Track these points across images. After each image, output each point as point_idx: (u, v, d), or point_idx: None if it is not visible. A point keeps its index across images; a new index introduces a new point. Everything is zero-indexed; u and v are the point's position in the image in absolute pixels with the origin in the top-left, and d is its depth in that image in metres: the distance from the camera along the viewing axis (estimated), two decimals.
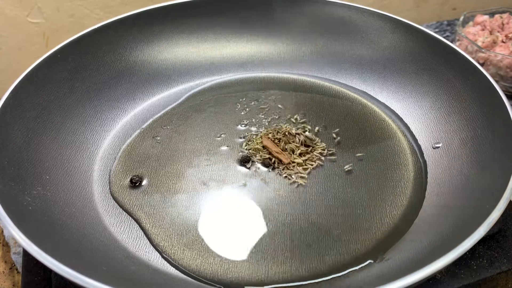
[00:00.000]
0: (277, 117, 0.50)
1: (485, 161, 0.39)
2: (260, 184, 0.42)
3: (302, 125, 0.48)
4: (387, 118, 0.49)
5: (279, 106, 0.51)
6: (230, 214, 0.40)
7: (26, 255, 0.39)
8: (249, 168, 0.43)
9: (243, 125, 0.49)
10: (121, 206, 0.41)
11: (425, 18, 0.75)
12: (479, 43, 0.57)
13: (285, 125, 0.48)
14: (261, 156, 0.44)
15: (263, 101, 0.52)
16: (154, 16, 0.54)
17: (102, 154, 0.45)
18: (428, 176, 0.43)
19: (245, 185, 0.42)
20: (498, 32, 0.59)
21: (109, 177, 0.43)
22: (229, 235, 0.38)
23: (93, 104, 0.48)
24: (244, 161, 0.44)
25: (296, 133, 0.46)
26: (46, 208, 0.37)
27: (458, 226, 0.34)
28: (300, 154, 0.44)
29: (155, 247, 0.37)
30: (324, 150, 0.45)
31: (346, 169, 0.44)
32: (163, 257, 0.37)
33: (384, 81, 0.52)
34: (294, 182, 0.42)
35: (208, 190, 0.42)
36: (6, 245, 0.43)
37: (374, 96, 0.52)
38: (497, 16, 0.61)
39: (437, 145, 0.45)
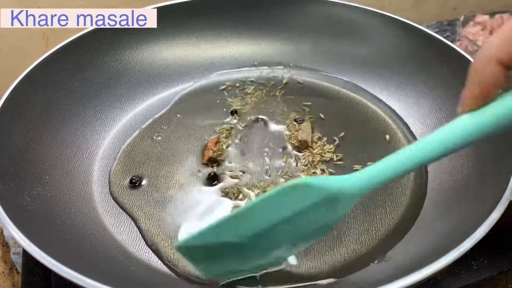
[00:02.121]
0: (278, 117, 0.50)
1: (485, 161, 0.39)
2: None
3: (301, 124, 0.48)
4: (387, 118, 0.49)
5: (279, 106, 0.51)
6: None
7: (26, 255, 0.39)
8: (215, 185, 0.42)
9: (244, 125, 0.49)
10: (121, 206, 0.40)
11: (425, 18, 0.74)
12: (480, 43, 0.57)
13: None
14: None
15: (263, 100, 0.52)
16: None
17: (102, 154, 0.45)
18: (428, 176, 0.43)
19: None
20: None
21: (109, 177, 0.43)
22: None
23: (93, 104, 0.48)
24: (212, 179, 0.42)
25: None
26: (46, 208, 0.37)
27: (458, 226, 0.34)
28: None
29: (155, 247, 0.37)
30: (331, 157, 0.45)
31: (346, 169, 0.43)
32: (162, 257, 0.37)
33: (384, 81, 0.52)
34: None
35: (208, 190, 0.42)
36: (6, 245, 0.43)
37: (374, 96, 0.52)
38: (497, 16, 0.61)
39: None
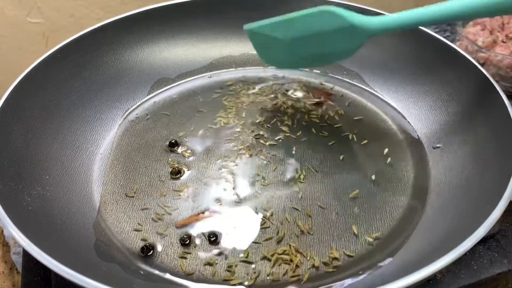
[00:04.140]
0: (277, 116, 0.50)
1: (485, 161, 0.39)
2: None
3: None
4: (387, 119, 0.49)
5: (281, 105, 0.51)
6: (228, 214, 0.40)
7: (26, 255, 0.39)
8: (176, 152, 0.45)
9: (245, 125, 0.49)
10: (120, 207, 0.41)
11: None
12: (480, 43, 0.57)
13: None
14: None
15: (263, 100, 0.52)
16: (154, 16, 0.54)
17: (102, 154, 0.45)
18: (428, 176, 0.43)
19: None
20: (499, 32, 0.59)
21: (109, 177, 0.43)
22: (228, 236, 0.38)
23: (93, 104, 0.48)
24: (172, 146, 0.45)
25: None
26: (46, 208, 0.37)
27: (458, 226, 0.34)
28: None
29: (155, 247, 0.37)
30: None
31: (346, 169, 0.43)
32: (162, 258, 0.37)
33: (384, 81, 0.52)
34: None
35: (209, 190, 0.42)
36: (6, 245, 0.43)
37: (375, 96, 0.52)
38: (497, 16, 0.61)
39: (437, 145, 0.45)
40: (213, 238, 0.37)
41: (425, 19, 0.39)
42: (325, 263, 0.36)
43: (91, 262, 0.34)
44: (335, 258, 0.36)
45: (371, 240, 0.38)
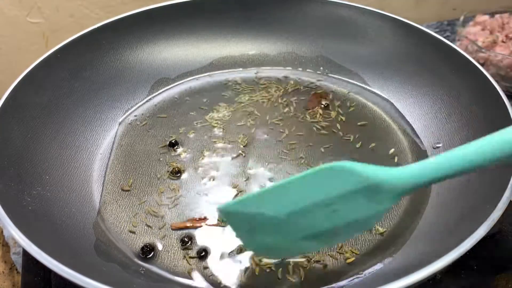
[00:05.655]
0: (277, 117, 0.50)
1: None
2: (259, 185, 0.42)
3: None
4: (387, 118, 0.49)
5: (280, 106, 0.51)
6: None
7: (26, 255, 0.39)
8: (176, 152, 0.45)
9: (244, 125, 0.49)
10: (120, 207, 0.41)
11: (425, 18, 0.75)
12: (479, 43, 0.57)
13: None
14: None
15: (263, 100, 0.52)
16: (154, 16, 0.54)
17: (102, 154, 0.45)
18: None
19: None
20: (498, 32, 0.59)
21: (109, 177, 0.43)
22: (226, 236, 0.38)
23: (93, 104, 0.48)
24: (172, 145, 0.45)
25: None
26: (46, 208, 0.37)
27: (458, 226, 0.34)
28: None
29: (155, 247, 0.37)
30: None
31: None
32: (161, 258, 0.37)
33: (384, 81, 0.52)
34: None
35: (209, 190, 0.42)
36: (6, 245, 0.43)
37: (374, 95, 0.52)
38: (497, 16, 0.61)
39: (438, 145, 0.45)
40: (202, 254, 0.37)
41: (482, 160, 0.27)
42: (324, 264, 0.36)
43: (91, 262, 0.34)
44: (335, 260, 0.36)
45: (371, 240, 0.38)
